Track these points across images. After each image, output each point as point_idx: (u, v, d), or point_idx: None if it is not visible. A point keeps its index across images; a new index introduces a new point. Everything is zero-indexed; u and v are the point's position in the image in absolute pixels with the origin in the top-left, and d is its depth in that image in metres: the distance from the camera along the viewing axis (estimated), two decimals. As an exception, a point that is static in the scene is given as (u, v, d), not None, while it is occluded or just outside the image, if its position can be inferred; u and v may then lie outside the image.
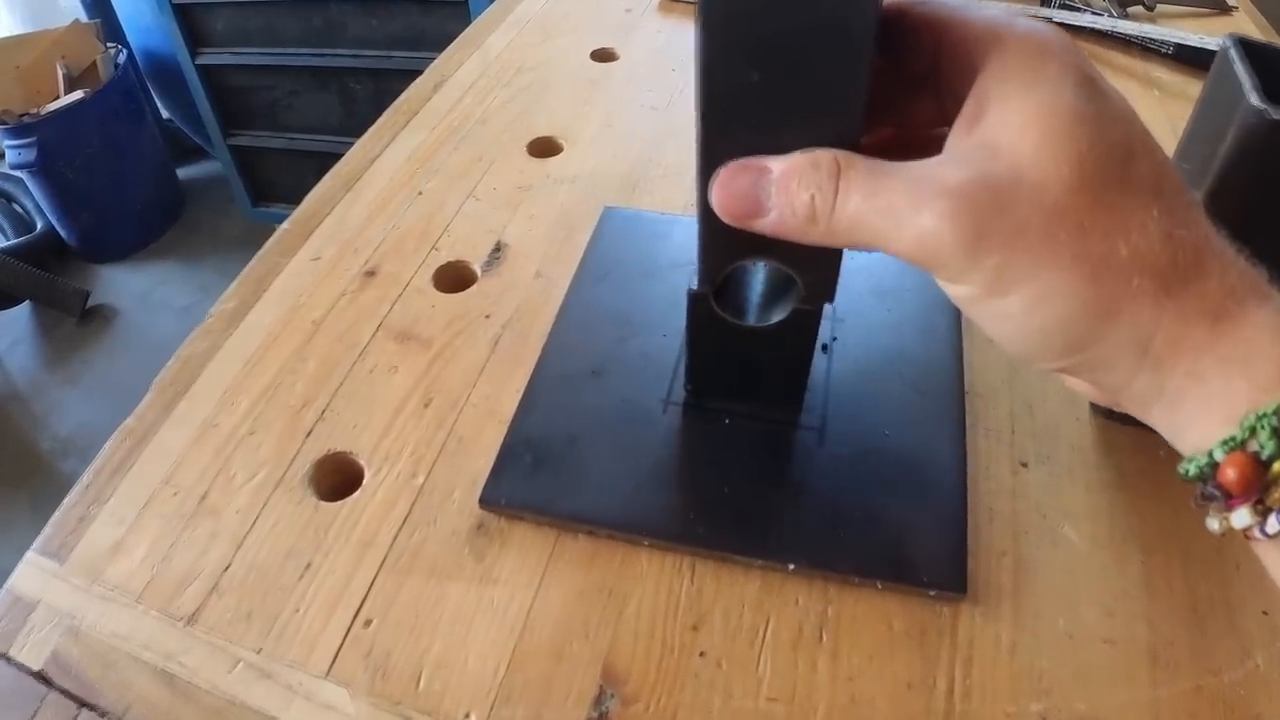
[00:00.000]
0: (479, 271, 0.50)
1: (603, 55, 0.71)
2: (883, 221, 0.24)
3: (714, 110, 0.27)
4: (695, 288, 0.34)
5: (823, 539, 0.36)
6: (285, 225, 0.53)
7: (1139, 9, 0.71)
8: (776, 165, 0.26)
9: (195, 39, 1.73)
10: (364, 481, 0.39)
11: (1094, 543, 0.36)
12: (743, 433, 0.39)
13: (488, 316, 0.47)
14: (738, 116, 0.27)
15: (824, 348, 0.42)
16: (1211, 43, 0.65)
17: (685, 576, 0.36)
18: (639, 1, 0.79)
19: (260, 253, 0.52)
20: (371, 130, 0.61)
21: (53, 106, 1.75)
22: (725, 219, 0.27)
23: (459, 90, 0.66)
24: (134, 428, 0.42)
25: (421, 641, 0.34)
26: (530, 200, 0.55)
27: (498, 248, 0.51)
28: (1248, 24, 0.75)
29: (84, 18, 1.89)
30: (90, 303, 1.88)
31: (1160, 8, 0.72)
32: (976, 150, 0.24)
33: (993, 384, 0.43)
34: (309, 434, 0.41)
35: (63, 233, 1.98)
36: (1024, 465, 0.39)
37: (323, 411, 0.42)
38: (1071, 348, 0.24)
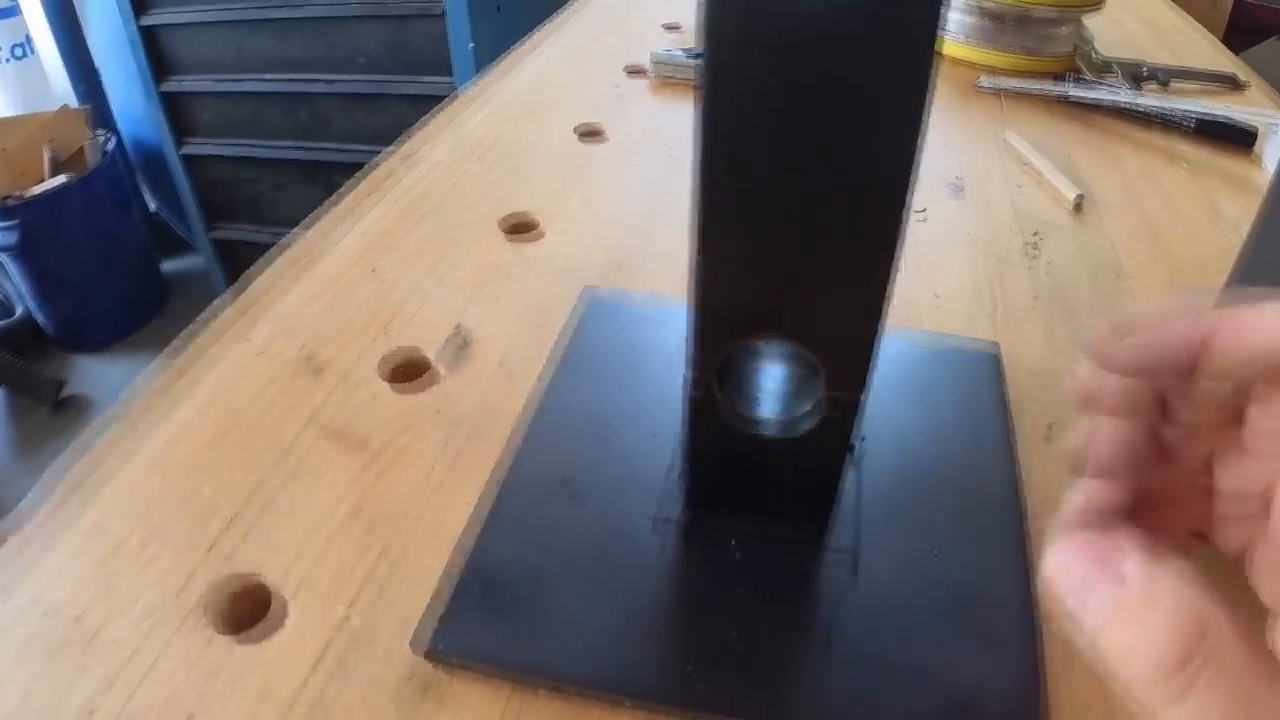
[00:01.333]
0: (433, 360, 0.43)
1: (589, 132, 0.66)
2: None
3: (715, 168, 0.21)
4: (689, 376, 0.28)
5: (862, 703, 0.28)
6: (218, 303, 0.47)
7: (1152, 85, 0.67)
8: (1135, 572, 0.19)
9: (181, 128, 1.71)
10: (270, 612, 0.32)
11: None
12: (755, 560, 0.32)
13: (439, 412, 0.40)
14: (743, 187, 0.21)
15: (850, 449, 0.36)
16: (1237, 116, 0.61)
17: (680, 750, 0.28)
18: (629, 80, 0.75)
19: (186, 330, 0.45)
20: (326, 205, 0.56)
21: (37, 190, 1.72)
22: (1055, 596, 0.21)
23: (428, 165, 0.61)
24: (6, 530, 0.35)
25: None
26: (499, 281, 0.49)
27: (457, 333, 0.45)
28: (1261, 98, 0.71)
29: (75, 103, 1.88)
30: (65, 392, 1.82)
31: (1174, 84, 0.68)
32: None
33: (1058, 502, 0.36)
34: (211, 549, 0.34)
35: (41, 319, 1.93)
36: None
37: (230, 521, 0.35)
38: None
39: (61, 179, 1.72)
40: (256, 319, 0.46)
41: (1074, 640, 0.19)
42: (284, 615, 0.32)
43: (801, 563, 0.32)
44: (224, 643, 0.31)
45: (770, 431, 0.29)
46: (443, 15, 1.44)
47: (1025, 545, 0.33)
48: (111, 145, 1.88)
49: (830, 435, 0.29)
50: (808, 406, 0.28)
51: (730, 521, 0.33)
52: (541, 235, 0.53)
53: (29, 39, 1.94)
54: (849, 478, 0.34)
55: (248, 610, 0.32)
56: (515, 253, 0.51)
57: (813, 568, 0.32)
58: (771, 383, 0.30)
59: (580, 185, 0.59)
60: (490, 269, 0.50)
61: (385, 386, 0.42)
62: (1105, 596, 0.19)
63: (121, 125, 1.94)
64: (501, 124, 0.67)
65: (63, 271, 1.83)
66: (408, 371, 0.43)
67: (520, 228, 0.54)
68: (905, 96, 0.20)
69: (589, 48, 0.85)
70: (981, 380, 0.40)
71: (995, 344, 0.43)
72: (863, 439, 0.36)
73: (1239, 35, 0.83)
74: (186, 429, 0.39)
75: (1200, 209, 0.56)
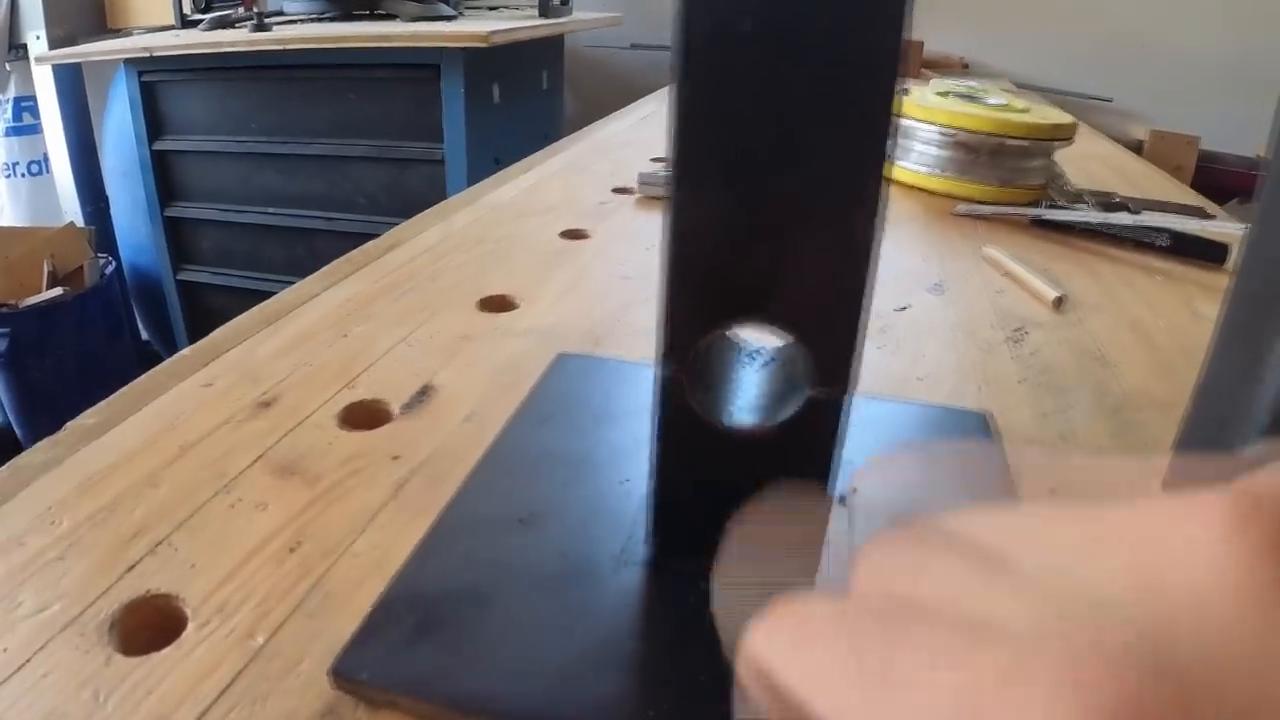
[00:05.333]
0: (396, 412, 0.42)
1: (574, 234, 0.67)
2: None
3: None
4: (660, 363, 0.26)
5: None
6: (185, 352, 0.46)
7: (1123, 213, 0.69)
8: None
9: (181, 254, 1.75)
10: (181, 637, 0.29)
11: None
12: None
13: (396, 458, 0.38)
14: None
15: (841, 501, 0.33)
16: (1210, 227, 0.62)
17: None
18: (616, 197, 0.77)
19: (148, 373, 0.44)
20: (310, 277, 0.56)
21: (31, 300, 1.73)
22: None
23: (414, 251, 0.61)
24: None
25: None
26: (473, 349, 0.48)
27: (424, 390, 0.43)
28: (1229, 229, 0.73)
29: (81, 224, 1.92)
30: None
31: (1144, 213, 0.70)
32: None
33: None
34: (131, 569, 0.31)
35: (19, 431, 1.89)
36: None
37: (157, 544, 0.32)
38: None
39: (57, 291, 1.74)
40: (217, 363, 0.45)
41: None
42: (195, 639, 0.29)
43: None
44: (123, 663, 0.28)
45: (746, 426, 0.27)
46: (442, 161, 1.51)
47: None
48: (111, 269, 1.91)
49: (814, 442, 0.27)
50: (788, 408, 0.26)
51: (704, 562, 0.30)
52: (519, 312, 0.53)
53: (46, 157, 2.01)
54: (839, 522, 0.32)
55: (157, 633, 0.29)
56: (490, 323, 0.51)
57: None
58: (750, 389, 0.28)
59: (560, 274, 0.59)
60: (465, 339, 0.49)
61: (342, 432, 0.40)
62: None
63: (123, 252, 1.98)
64: (490, 223, 0.68)
65: (47, 387, 1.80)
66: (367, 419, 0.41)
67: (498, 305, 0.54)
68: (884, 33, 0.20)
69: (580, 169, 0.88)
70: (975, 439, 0.38)
71: (987, 410, 0.41)
72: (853, 491, 0.34)
73: (1205, 195, 0.87)
74: (127, 454, 0.37)
75: (1179, 310, 0.56)
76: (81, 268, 1.85)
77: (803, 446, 0.25)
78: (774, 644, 0.15)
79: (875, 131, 0.22)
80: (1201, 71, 2.00)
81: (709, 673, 0.26)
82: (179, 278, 1.75)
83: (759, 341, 0.28)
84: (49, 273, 1.78)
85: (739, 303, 0.24)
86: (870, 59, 0.20)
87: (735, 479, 0.28)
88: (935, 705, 0.11)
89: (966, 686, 0.11)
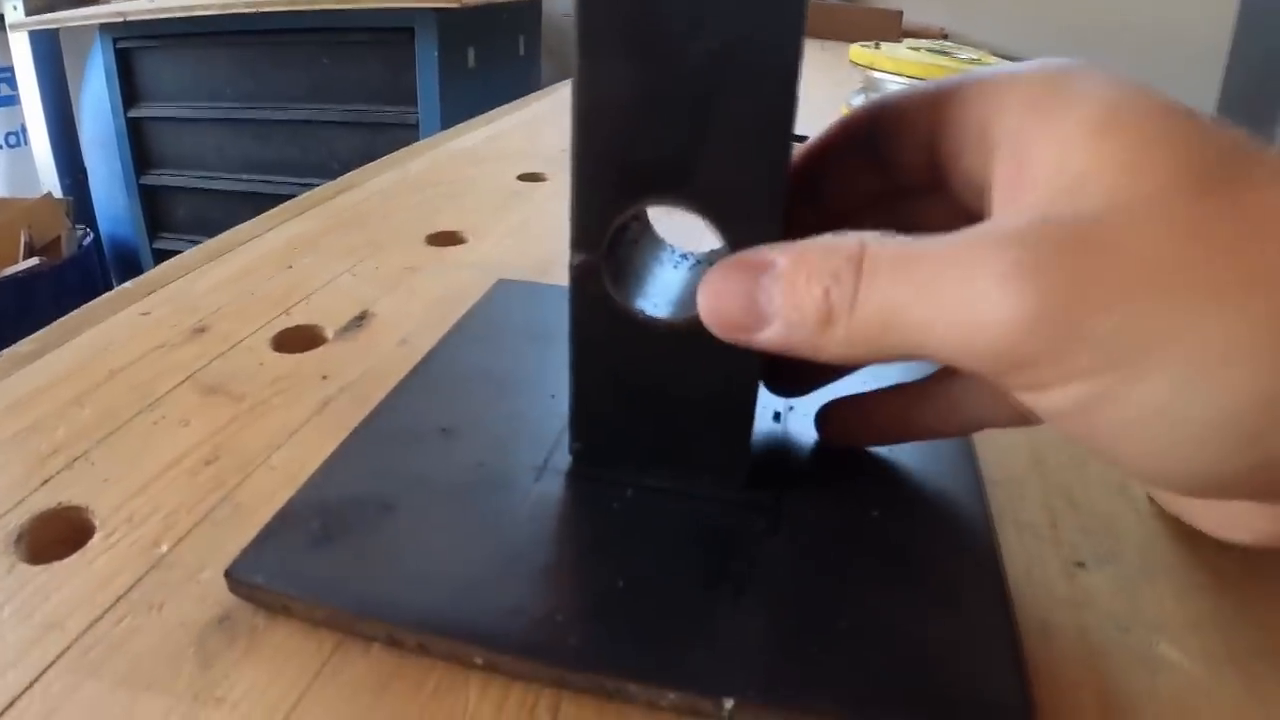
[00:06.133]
0: (330, 336, 0.41)
1: (531, 177, 0.66)
2: (922, 306, 0.16)
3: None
4: (572, 250, 0.25)
5: (786, 659, 0.22)
6: (126, 285, 0.45)
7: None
8: (783, 258, 0.19)
9: (157, 222, 1.73)
10: (87, 546, 0.28)
11: (1207, 662, 0.25)
12: (652, 510, 0.27)
13: (325, 378, 0.37)
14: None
15: (775, 416, 0.32)
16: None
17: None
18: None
19: (87, 304, 0.43)
20: (259, 217, 0.55)
21: (9, 271, 1.72)
22: (718, 334, 0.21)
23: (364, 193, 0.60)
24: None
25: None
26: (416, 279, 0.47)
27: (361, 316, 0.43)
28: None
29: (59, 195, 1.91)
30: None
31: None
32: (1035, 203, 0.17)
33: (1015, 471, 0.32)
34: (46, 483, 0.31)
35: None
36: (1080, 565, 0.28)
37: (74, 460, 0.32)
38: (1268, 438, 0.14)
39: (34, 261, 1.72)
40: (156, 295, 0.44)
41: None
42: (98, 548, 0.28)
43: (709, 515, 0.27)
44: (25, 571, 0.27)
45: (664, 315, 0.26)
46: (416, 126, 1.49)
47: (982, 495, 0.29)
48: (88, 240, 1.89)
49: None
50: None
51: (629, 473, 0.29)
52: (467, 246, 0.52)
53: (24, 129, 1.99)
54: (776, 431, 0.31)
55: (64, 545, 0.28)
56: (437, 256, 0.50)
57: (724, 521, 0.27)
58: (672, 284, 0.27)
59: (514, 213, 0.58)
60: (410, 270, 0.48)
61: (273, 354, 0.39)
62: (773, 290, 0.19)
63: (101, 223, 1.97)
64: (447, 168, 0.67)
65: (26, 360, 1.80)
66: (300, 343, 0.40)
67: (447, 239, 0.53)
68: None
69: (544, 120, 0.87)
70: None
71: None
72: (790, 409, 0.33)
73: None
74: (54, 378, 0.37)
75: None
76: (59, 238, 1.84)
77: (726, 344, 0.24)
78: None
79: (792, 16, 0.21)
80: (1184, 49, 1.99)
81: (625, 576, 0.25)
82: (155, 246, 1.74)
83: (687, 244, 0.27)
84: (25, 243, 1.76)
85: (651, 183, 0.23)
86: None
87: (656, 378, 0.27)
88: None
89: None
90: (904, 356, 0.18)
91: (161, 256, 1.77)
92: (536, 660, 0.23)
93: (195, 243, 1.56)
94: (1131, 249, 0.14)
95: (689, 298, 0.26)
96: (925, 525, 0.28)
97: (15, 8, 1.95)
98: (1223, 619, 0.26)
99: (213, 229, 1.64)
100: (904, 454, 0.31)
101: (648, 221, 0.28)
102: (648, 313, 0.26)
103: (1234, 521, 0.20)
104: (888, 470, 0.30)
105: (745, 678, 0.22)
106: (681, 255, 0.29)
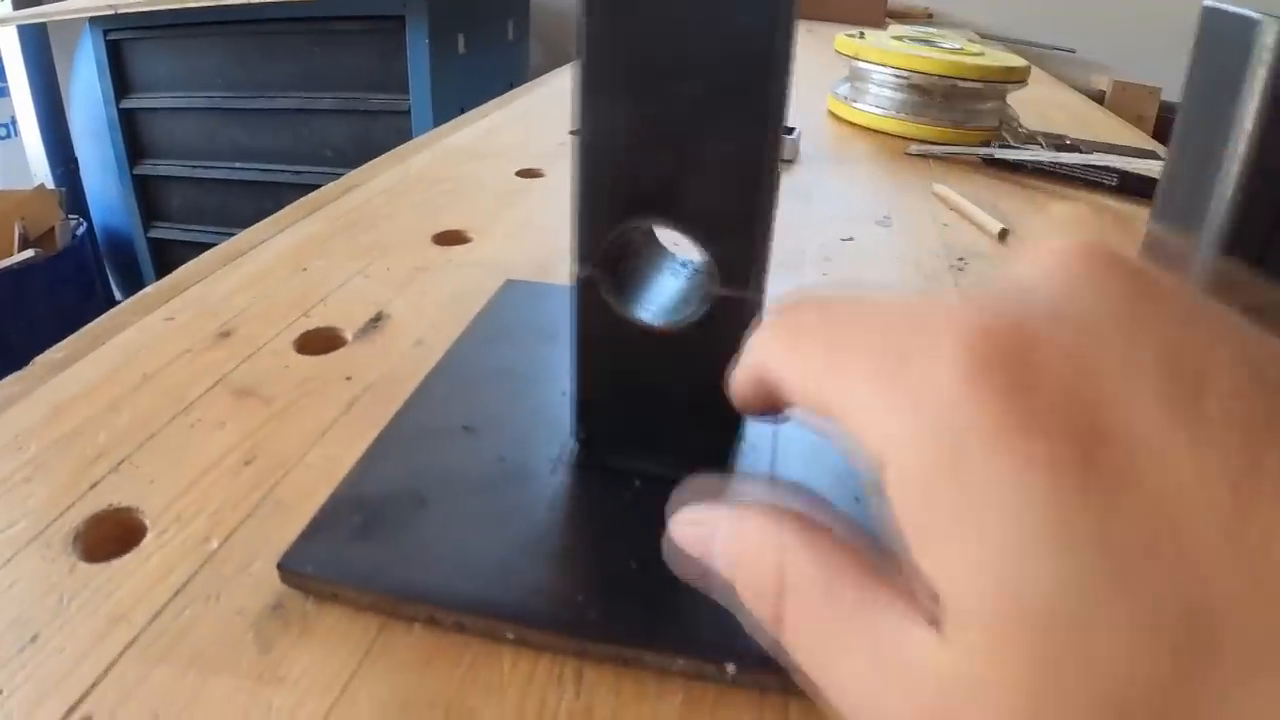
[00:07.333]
0: (349, 338, 0.43)
1: (529, 174, 0.68)
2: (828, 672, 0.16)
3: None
4: (576, 265, 0.28)
5: None
6: (147, 290, 0.47)
7: (1073, 155, 0.71)
8: (724, 528, 0.19)
9: (151, 212, 1.74)
10: (141, 545, 0.31)
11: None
12: (660, 498, 0.30)
13: (349, 378, 0.40)
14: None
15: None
16: (1158, 171, 0.64)
17: (567, 688, 0.26)
18: (574, 139, 0.78)
19: (110, 311, 0.45)
20: (268, 219, 0.57)
21: (4, 263, 1.73)
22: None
23: (371, 192, 0.62)
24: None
25: (154, 752, 0.24)
26: (425, 279, 0.49)
27: (377, 317, 0.45)
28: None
29: (52, 185, 1.91)
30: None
31: (1096, 155, 0.72)
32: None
33: None
34: (94, 486, 0.33)
35: (-8, 398, 1.89)
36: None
37: (119, 463, 0.34)
38: None
39: (29, 253, 1.73)
40: (177, 300, 0.46)
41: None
42: (152, 546, 0.30)
43: None
44: (86, 570, 0.29)
45: (660, 323, 0.29)
46: (408, 112, 1.50)
47: None
48: (82, 230, 1.89)
49: (728, 341, 0.28)
50: (697, 307, 0.28)
51: (632, 462, 0.32)
52: (471, 243, 0.54)
53: (14, 120, 1.98)
54: (766, 426, 0.34)
55: (116, 541, 0.31)
56: (443, 256, 0.52)
57: None
58: (666, 292, 0.30)
59: (515, 211, 0.60)
60: (419, 270, 0.50)
61: (297, 356, 0.41)
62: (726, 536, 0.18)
63: (94, 213, 1.97)
64: (446, 165, 0.69)
65: (21, 349, 1.80)
66: (322, 345, 0.42)
67: (452, 239, 0.55)
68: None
69: (538, 114, 0.88)
70: None
71: None
72: None
73: (1166, 145, 0.88)
74: (89, 384, 0.39)
75: (1128, 239, 0.58)
76: (53, 229, 1.84)
77: (716, 346, 0.26)
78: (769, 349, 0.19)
79: (768, 42, 0.23)
80: (1166, 22, 2.00)
81: (636, 558, 0.28)
82: (150, 235, 1.74)
83: (683, 252, 0.30)
84: (20, 235, 1.77)
85: (644, 205, 0.26)
86: None
87: (654, 378, 0.30)
88: (870, 349, 0.16)
89: (886, 331, 0.16)
90: None
91: (156, 245, 1.78)
92: (561, 634, 0.26)
93: (190, 231, 1.56)
94: None
95: (683, 305, 0.29)
96: None
97: (2, 1, 1.94)
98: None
99: (207, 218, 1.65)
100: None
101: (652, 232, 0.31)
102: (644, 319, 0.29)
103: None
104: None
105: (745, 645, 0.24)
106: (681, 263, 0.32)
